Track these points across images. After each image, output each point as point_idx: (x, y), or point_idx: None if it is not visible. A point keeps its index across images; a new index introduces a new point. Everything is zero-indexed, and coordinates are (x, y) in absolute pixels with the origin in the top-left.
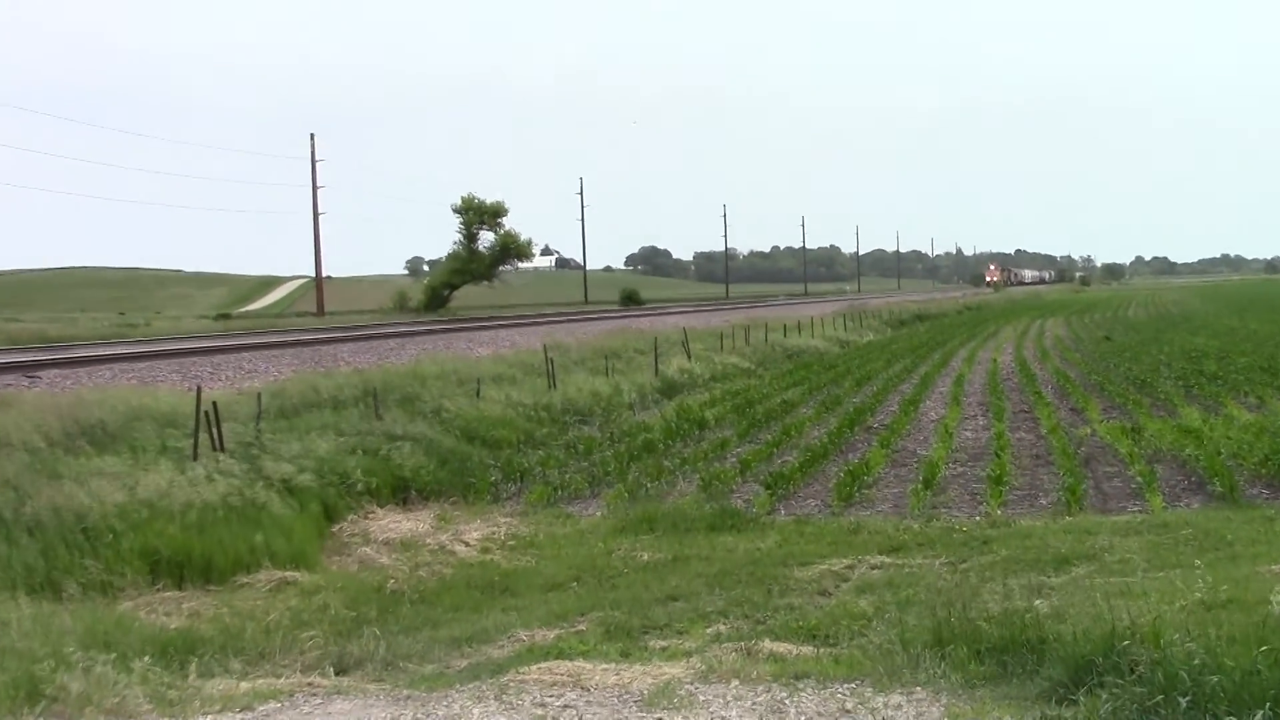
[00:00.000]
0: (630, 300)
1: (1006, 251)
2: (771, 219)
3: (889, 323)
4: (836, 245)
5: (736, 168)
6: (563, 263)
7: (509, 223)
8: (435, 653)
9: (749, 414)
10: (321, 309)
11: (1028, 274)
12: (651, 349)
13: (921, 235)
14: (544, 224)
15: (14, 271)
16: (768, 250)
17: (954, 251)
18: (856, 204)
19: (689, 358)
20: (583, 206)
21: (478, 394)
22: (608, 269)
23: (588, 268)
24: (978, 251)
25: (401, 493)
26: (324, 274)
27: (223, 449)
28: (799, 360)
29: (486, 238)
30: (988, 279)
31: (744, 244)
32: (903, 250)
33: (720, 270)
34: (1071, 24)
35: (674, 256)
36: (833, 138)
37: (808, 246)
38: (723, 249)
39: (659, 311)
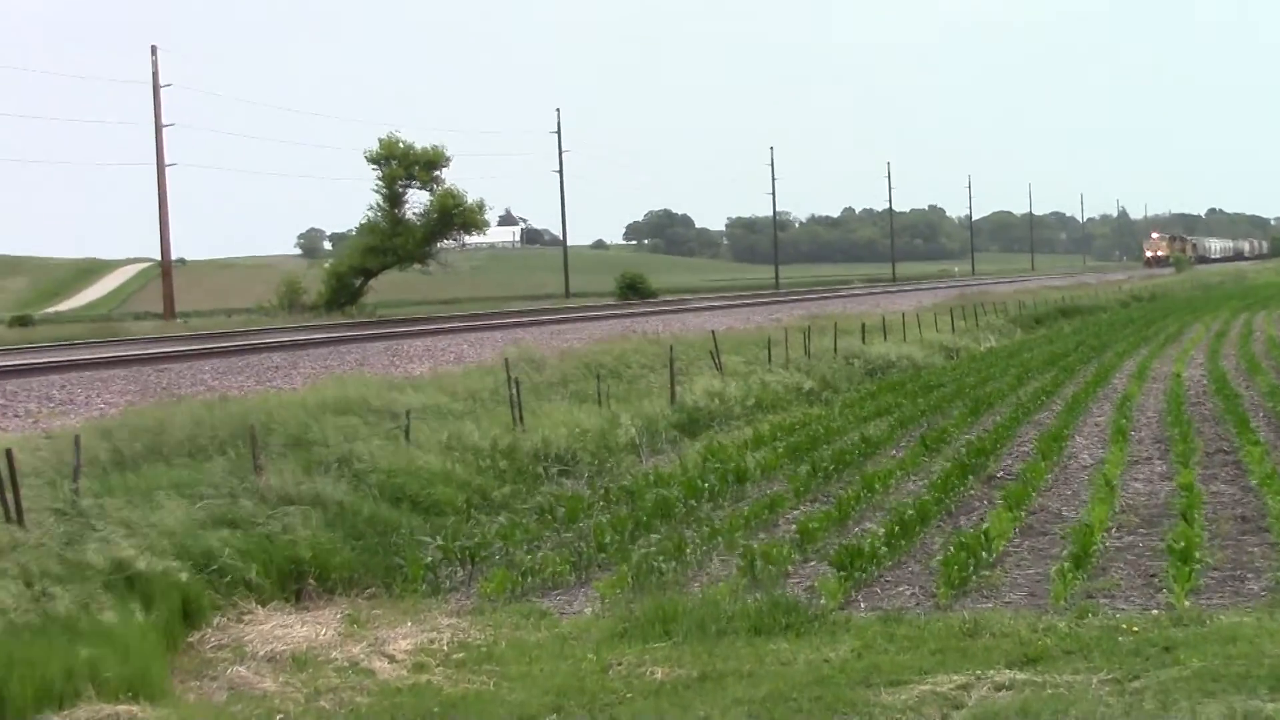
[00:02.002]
0: (633, 290)
1: (1193, 213)
2: (843, 169)
3: (1018, 320)
4: (939, 206)
5: (788, 94)
6: (533, 236)
7: (451, 177)
8: None
9: (811, 459)
10: (171, 308)
11: (1214, 244)
12: (665, 363)
13: (1066, 191)
14: (504, 180)
15: None
16: (836, 215)
17: (1114, 214)
18: (969, 146)
19: (720, 375)
20: (560, 151)
21: (406, 435)
22: (600, 245)
23: (569, 243)
24: (1150, 214)
25: (294, 583)
26: (175, 256)
27: (22, 521)
28: (885, 378)
29: (418, 199)
30: (1148, 253)
31: (801, 207)
32: (1038, 213)
33: (766, 245)
34: None
35: (697, 226)
36: (933, 42)
37: (896, 209)
38: (770, 213)
39: (676, 307)
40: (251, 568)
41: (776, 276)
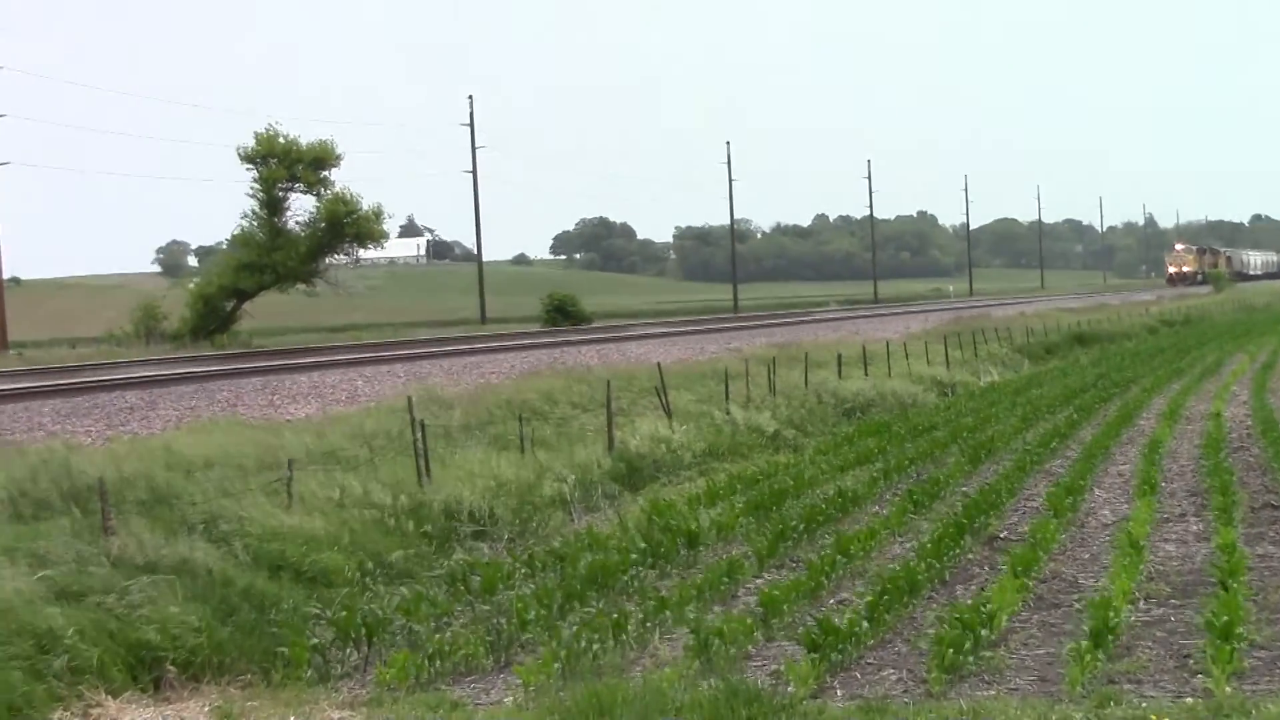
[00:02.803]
0: (563, 314)
1: (1234, 220)
2: (814, 169)
3: (1025, 350)
4: (930, 213)
5: (747, 80)
6: (441, 249)
7: (342, 179)
8: None
9: (778, 517)
10: (3, 338)
11: (1254, 258)
12: (601, 403)
13: (1082, 194)
14: (406, 183)
15: None
16: (807, 223)
17: (1140, 222)
18: (965, 141)
19: (668, 417)
20: (474, 147)
21: (289, 490)
22: (522, 260)
23: (486, 257)
24: (1182, 221)
25: (151, 669)
26: (7, 274)
27: None
28: (866, 419)
29: (303, 206)
30: (1171, 269)
31: (764, 214)
32: (1048, 220)
33: (722, 260)
34: None
35: (639, 237)
36: (922, 19)
37: (879, 216)
38: (726, 222)
39: (614, 334)
40: (99, 651)
41: (735, 297)
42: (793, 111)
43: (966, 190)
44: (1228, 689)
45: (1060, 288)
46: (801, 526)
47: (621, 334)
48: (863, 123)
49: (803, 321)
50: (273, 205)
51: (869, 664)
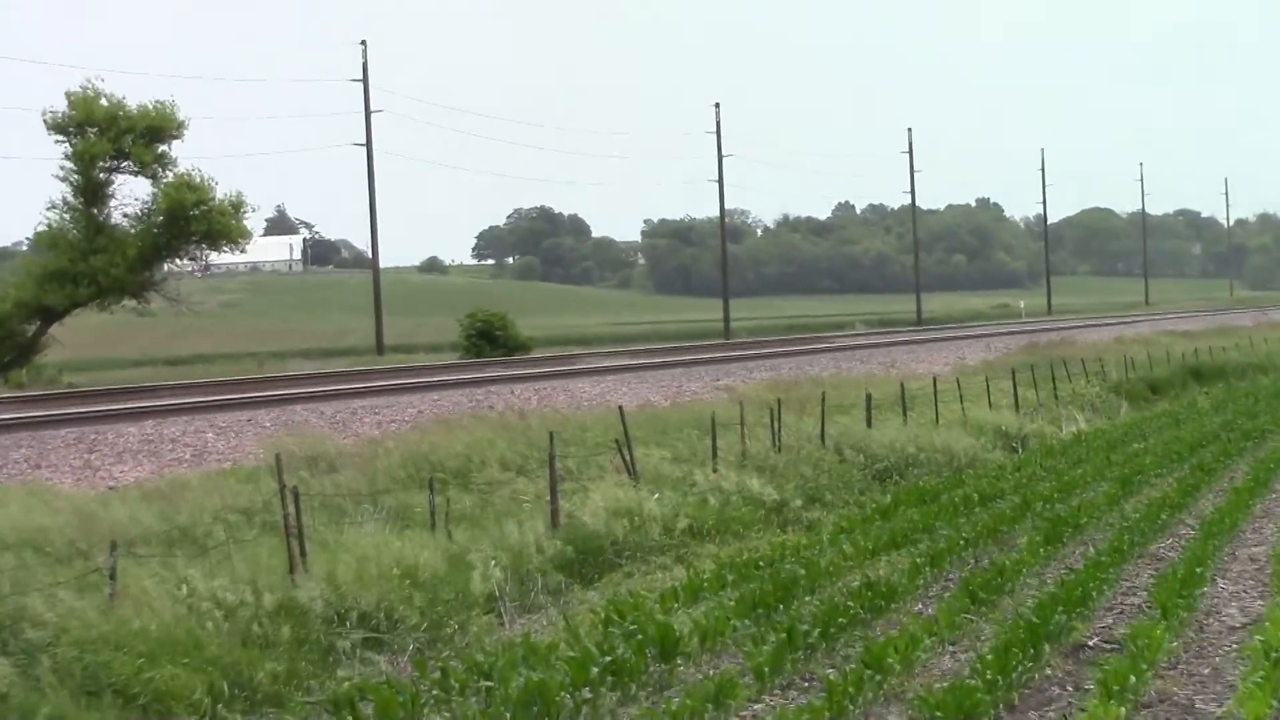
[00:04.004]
0: (490, 339)
1: None
2: (835, 142)
3: (1122, 388)
4: (994, 202)
5: (741, 23)
6: (323, 252)
7: (188, 156)
8: None
9: (784, 618)
10: None
11: None
12: (542, 462)
13: (1201, 179)
14: (275, 162)
15: None
16: (824, 215)
17: (1277, 213)
18: (1041, 107)
19: (634, 481)
20: (368, 112)
21: (112, 584)
22: (434, 265)
23: (384, 262)
24: None
25: None
26: None
27: None
28: (905, 484)
29: (133, 191)
30: None
31: (766, 203)
32: (1155, 212)
33: (707, 266)
34: None
35: (594, 235)
36: None
37: (923, 206)
38: (714, 214)
39: (561, 367)
40: None
41: (726, 317)
42: (805, 68)
43: (1044, 171)
44: None
45: (1171, 302)
46: (817, 631)
47: (570, 367)
48: (901, 80)
49: (818, 350)
50: (92, 192)
51: None
